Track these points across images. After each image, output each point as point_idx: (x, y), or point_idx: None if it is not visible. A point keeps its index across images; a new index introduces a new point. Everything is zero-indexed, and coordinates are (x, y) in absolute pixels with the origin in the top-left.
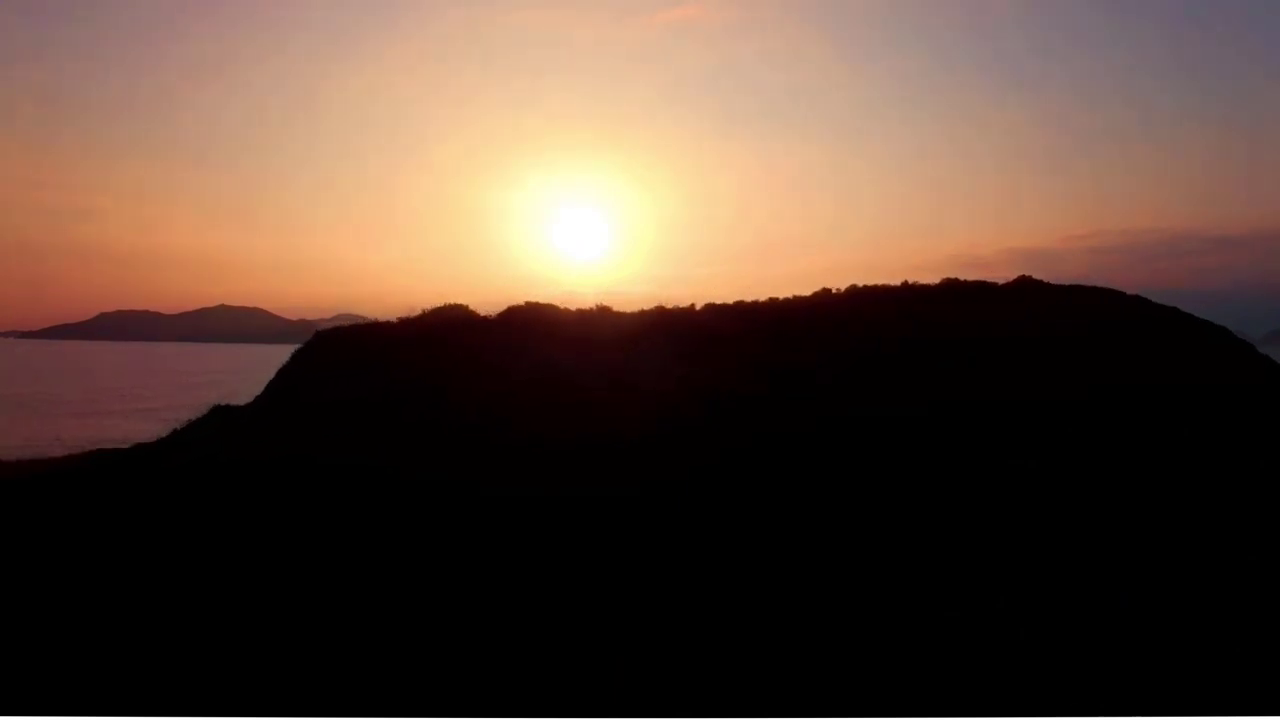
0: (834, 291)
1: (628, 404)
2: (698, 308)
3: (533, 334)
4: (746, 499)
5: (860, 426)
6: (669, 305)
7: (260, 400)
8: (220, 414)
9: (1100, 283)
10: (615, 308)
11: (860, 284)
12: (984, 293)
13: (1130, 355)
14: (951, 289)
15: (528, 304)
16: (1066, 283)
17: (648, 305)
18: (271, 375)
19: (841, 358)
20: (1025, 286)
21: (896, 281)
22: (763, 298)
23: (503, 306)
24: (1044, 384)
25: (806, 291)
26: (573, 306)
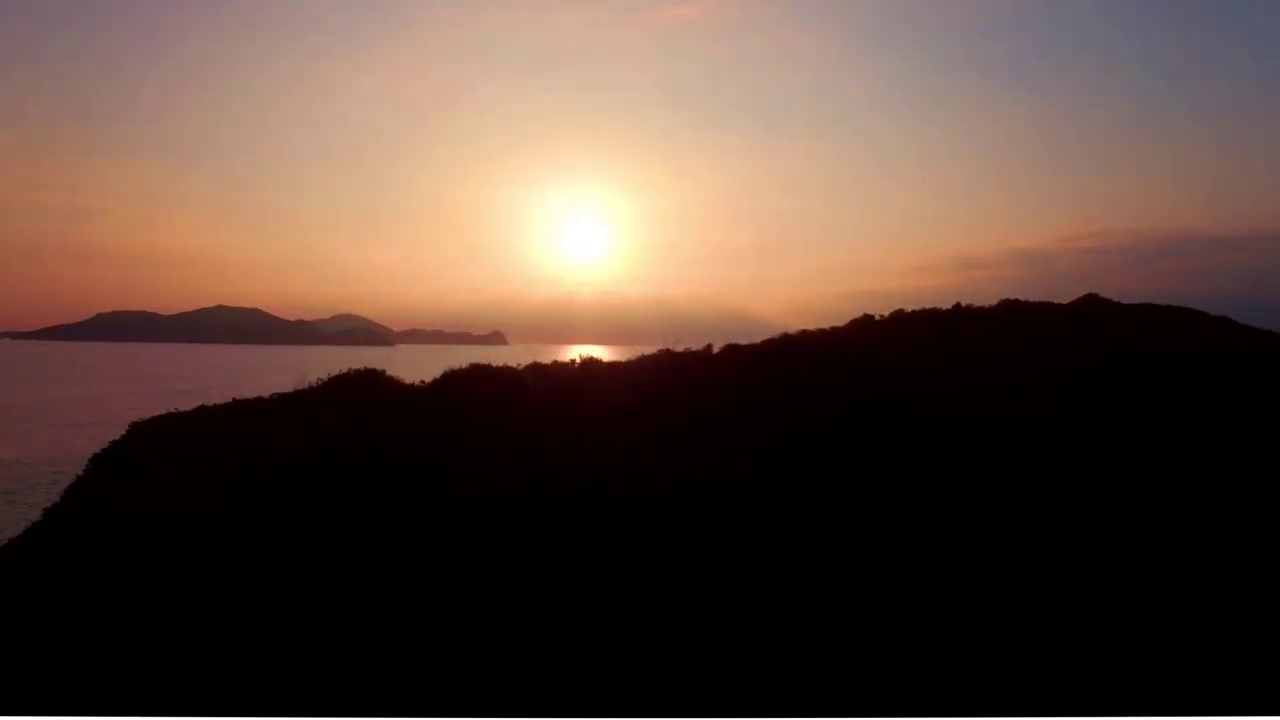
0: (877, 318)
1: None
2: (715, 350)
3: (472, 417)
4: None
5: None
6: (679, 348)
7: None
8: None
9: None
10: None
11: (907, 309)
12: (1046, 317)
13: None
14: (1010, 312)
15: (472, 366)
16: (1133, 302)
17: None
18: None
19: (882, 418)
20: (1090, 306)
21: (943, 302)
22: (794, 329)
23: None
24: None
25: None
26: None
